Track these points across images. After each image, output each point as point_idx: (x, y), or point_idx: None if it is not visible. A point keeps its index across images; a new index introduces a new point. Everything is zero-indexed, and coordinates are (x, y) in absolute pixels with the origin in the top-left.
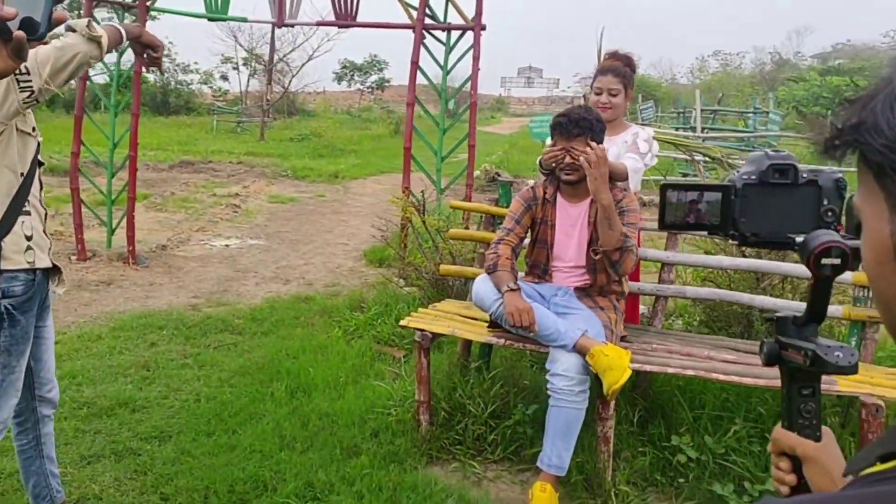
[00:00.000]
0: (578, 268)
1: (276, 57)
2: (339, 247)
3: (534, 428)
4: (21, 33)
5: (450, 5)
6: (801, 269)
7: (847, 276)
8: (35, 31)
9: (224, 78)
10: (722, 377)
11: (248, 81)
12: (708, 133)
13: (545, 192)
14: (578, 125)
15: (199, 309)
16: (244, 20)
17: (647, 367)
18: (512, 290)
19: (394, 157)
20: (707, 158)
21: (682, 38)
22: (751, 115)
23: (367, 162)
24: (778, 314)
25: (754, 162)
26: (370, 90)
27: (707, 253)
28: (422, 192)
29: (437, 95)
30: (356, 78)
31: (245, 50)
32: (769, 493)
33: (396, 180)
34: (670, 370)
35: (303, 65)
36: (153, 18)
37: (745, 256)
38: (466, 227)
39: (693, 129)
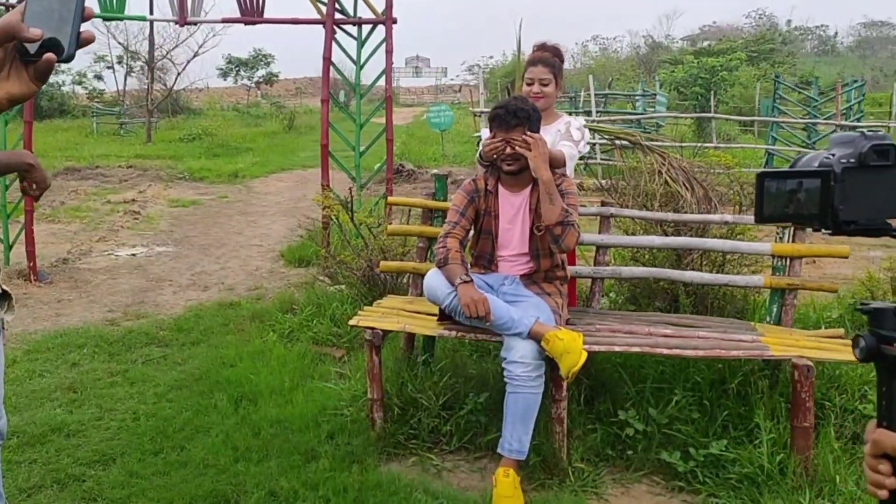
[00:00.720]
0: (522, 255)
1: (157, 54)
2: (254, 248)
3: (487, 416)
4: (51, 55)
5: (359, 0)
6: (722, 244)
7: (766, 246)
8: (61, 53)
9: (98, 77)
10: (665, 351)
11: (126, 80)
12: (601, 116)
13: (486, 184)
14: (517, 115)
15: (118, 323)
16: (143, 19)
17: (597, 348)
18: (465, 282)
19: (291, 153)
20: (629, 143)
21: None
22: (639, 97)
23: (266, 159)
24: (874, 305)
25: (849, 143)
26: (257, 85)
27: (633, 234)
28: (349, 189)
29: (352, 90)
30: (242, 73)
31: (121, 46)
32: (712, 455)
33: (300, 177)
34: (617, 348)
35: (188, 61)
36: None
37: (667, 235)
38: (389, 223)
39: (588, 112)
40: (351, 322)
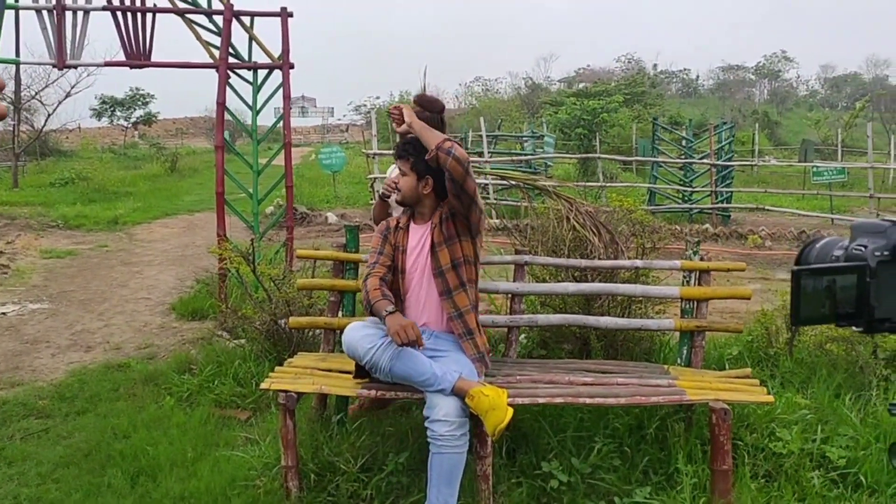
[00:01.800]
0: (432, 295)
1: (24, 94)
2: (141, 302)
3: (409, 476)
4: None
5: (254, 44)
6: (633, 289)
7: (674, 290)
8: None
9: None
10: (588, 401)
11: None
12: (493, 157)
13: (398, 222)
14: (403, 147)
15: None
16: (17, 62)
17: (521, 400)
18: (391, 312)
19: (175, 196)
20: (536, 188)
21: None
22: (527, 138)
23: (148, 204)
24: None
25: (880, 234)
26: (135, 126)
27: (542, 281)
28: (251, 240)
29: (244, 133)
30: (118, 113)
31: None
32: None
33: (186, 222)
34: (541, 400)
35: (59, 102)
36: None
37: (577, 281)
38: (290, 271)
39: (479, 153)
40: (263, 385)
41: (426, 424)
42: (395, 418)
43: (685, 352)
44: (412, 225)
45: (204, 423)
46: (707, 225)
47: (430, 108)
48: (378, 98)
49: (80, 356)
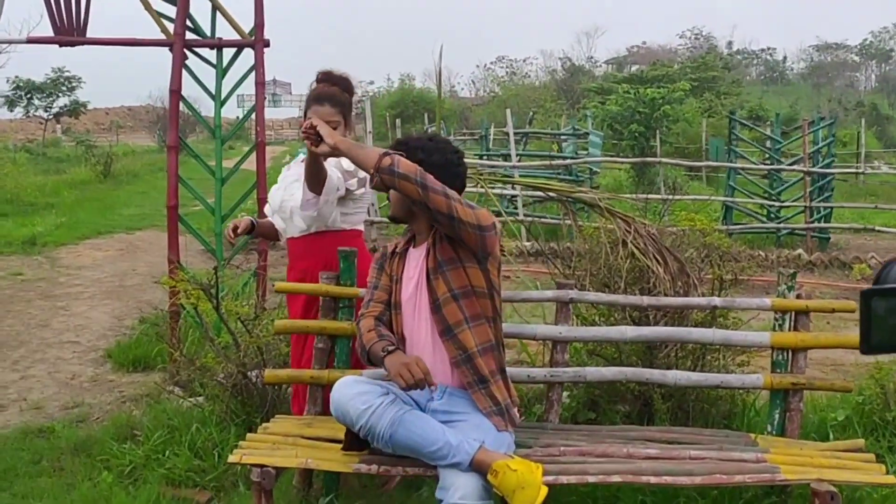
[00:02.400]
0: (433, 333)
1: None
2: (68, 348)
3: None
4: None
5: (219, 16)
6: (711, 335)
7: (763, 336)
8: None
9: None
10: (654, 480)
11: None
12: (522, 161)
13: (396, 246)
14: (395, 148)
15: None
16: None
17: (565, 479)
18: (390, 352)
19: (109, 209)
20: (581, 203)
21: (455, 39)
22: (567, 137)
23: (75, 219)
24: None
25: None
26: (56, 118)
27: (591, 324)
28: (213, 268)
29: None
30: (36, 102)
31: None
32: None
33: (124, 243)
34: (591, 479)
35: None
36: None
37: (636, 324)
38: (263, 308)
39: (505, 156)
40: (231, 458)
41: None
42: (400, 498)
43: (777, 417)
44: (411, 250)
45: None
46: (800, 250)
47: (347, 89)
48: (372, 83)
49: None
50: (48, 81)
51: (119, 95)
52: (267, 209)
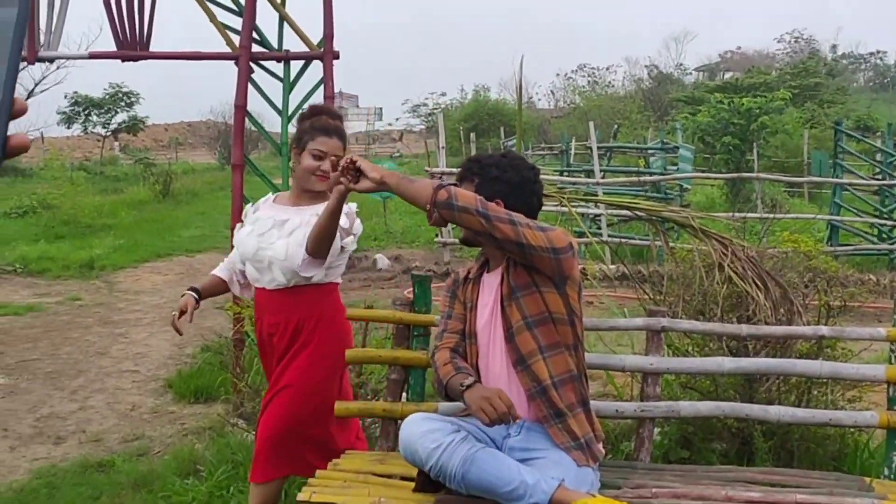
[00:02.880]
0: (506, 367)
1: None
2: (127, 377)
3: None
4: None
5: (286, 27)
6: (819, 368)
7: (878, 369)
8: None
9: None
10: None
11: None
12: (606, 178)
13: (469, 272)
14: (466, 166)
15: None
16: None
17: None
18: (469, 386)
19: (168, 230)
20: (671, 223)
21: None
22: (655, 151)
23: (134, 242)
24: None
25: None
26: (115, 134)
27: (684, 354)
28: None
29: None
30: (93, 118)
31: None
32: None
33: (184, 267)
34: None
35: None
36: None
37: (734, 354)
38: None
39: (588, 173)
40: (300, 496)
41: None
42: None
43: (895, 459)
44: (485, 275)
45: None
46: None
47: (339, 119)
48: (444, 95)
49: (47, 450)
50: (106, 97)
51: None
52: (233, 256)
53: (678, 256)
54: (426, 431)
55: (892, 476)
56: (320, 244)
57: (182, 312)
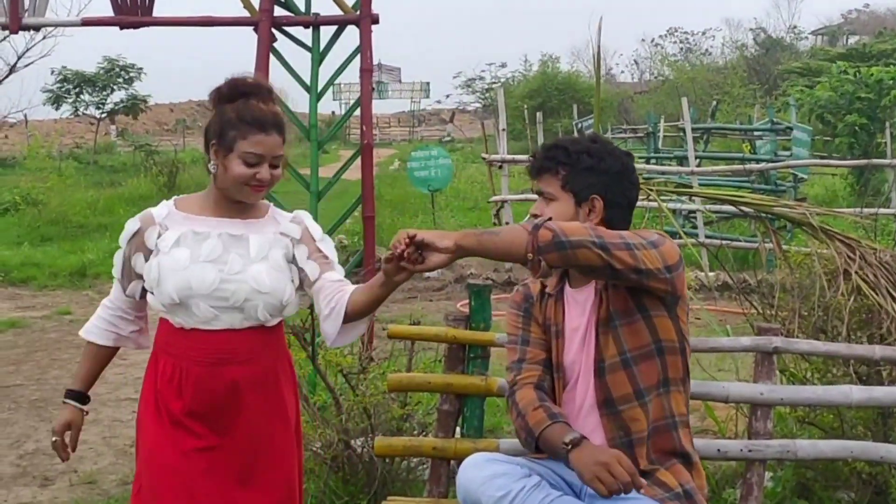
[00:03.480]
0: (593, 400)
1: None
2: (125, 406)
3: None
4: None
5: None
6: None
7: None
8: None
9: None
10: None
11: None
12: (702, 165)
13: (544, 286)
14: (547, 156)
15: None
16: None
17: None
18: (576, 444)
19: None
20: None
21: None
22: (763, 133)
23: None
24: None
25: None
26: (111, 116)
27: (801, 382)
28: (309, 309)
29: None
30: (86, 97)
31: None
32: None
33: None
34: None
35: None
36: None
37: (863, 382)
38: (369, 359)
39: (680, 160)
40: None
41: None
42: None
43: None
44: (568, 289)
45: None
46: None
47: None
48: (504, 66)
49: (32, 493)
50: (101, 72)
51: (187, 88)
52: (114, 301)
53: (793, 262)
54: (491, 476)
55: None
56: (362, 315)
57: (62, 439)
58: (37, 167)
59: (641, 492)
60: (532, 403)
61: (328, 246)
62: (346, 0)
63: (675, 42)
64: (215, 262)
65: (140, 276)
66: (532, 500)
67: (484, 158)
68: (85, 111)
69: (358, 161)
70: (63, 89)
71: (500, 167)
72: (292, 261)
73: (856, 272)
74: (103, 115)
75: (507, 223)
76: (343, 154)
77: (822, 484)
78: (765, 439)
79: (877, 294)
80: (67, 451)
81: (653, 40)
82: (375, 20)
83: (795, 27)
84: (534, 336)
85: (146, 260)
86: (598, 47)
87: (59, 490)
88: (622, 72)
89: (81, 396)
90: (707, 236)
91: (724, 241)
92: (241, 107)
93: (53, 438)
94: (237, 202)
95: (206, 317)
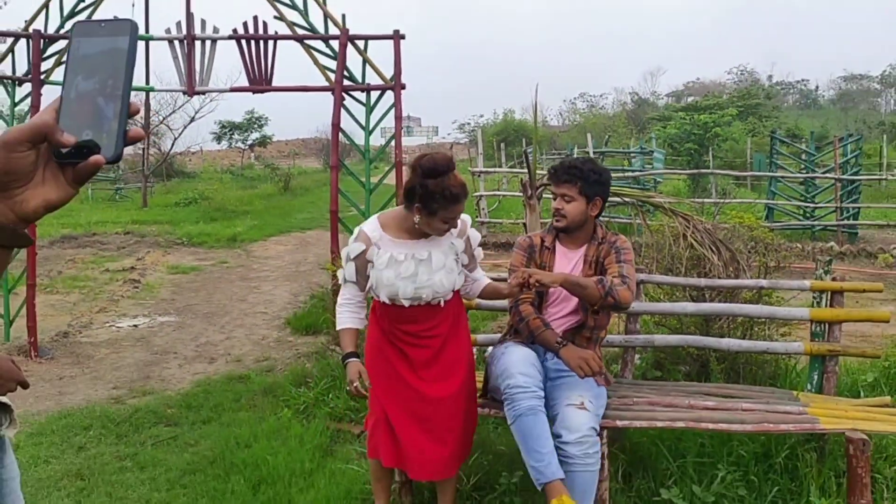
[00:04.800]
0: (570, 313)
1: (153, 120)
2: (259, 316)
3: (522, 497)
4: (99, 158)
5: (367, 66)
6: (759, 310)
7: (804, 311)
8: (101, 151)
9: None
10: (711, 426)
11: None
12: None
13: (544, 241)
14: (567, 172)
15: (123, 401)
16: (152, 90)
17: (638, 424)
18: (563, 345)
19: (287, 214)
20: (649, 206)
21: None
22: (636, 154)
23: (264, 222)
24: None
25: None
26: (251, 148)
27: (657, 300)
28: None
29: (360, 154)
30: (236, 136)
31: None
32: None
33: (299, 240)
34: (660, 424)
35: (185, 127)
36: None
37: (693, 300)
38: None
39: None
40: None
41: (557, 444)
42: (504, 436)
43: (816, 378)
44: (559, 247)
45: (320, 436)
46: (832, 243)
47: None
48: (482, 116)
49: (204, 367)
50: (244, 121)
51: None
52: (352, 296)
53: (653, 230)
54: (519, 361)
55: (813, 390)
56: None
57: (358, 383)
58: (208, 177)
59: (598, 379)
60: (531, 314)
61: (478, 251)
62: (385, 75)
63: (583, 101)
64: (409, 277)
65: (367, 278)
66: (525, 401)
67: (470, 171)
68: (235, 145)
69: (393, 172)
70: (222, 131)
71: (479, 176)
72: (457, 259)
73: (690, 235)
74: (246, 147)
75: (483, 209)
76: (386, 169)
77: (670, 361)
78: (635, 335)
79: (702, 248)
80: (362, 392)
81: (570, 100)
82: (403, 87)
83: (655, 92)
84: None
85: (371, 268)
86: (536, 103)
87: (220, 365)
88: (552, 119)
89: (357, 355)
90: (602, 216)
91: (611, 219)
92: (442, 184)
93: (354, 384)
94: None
95: (406, 300)
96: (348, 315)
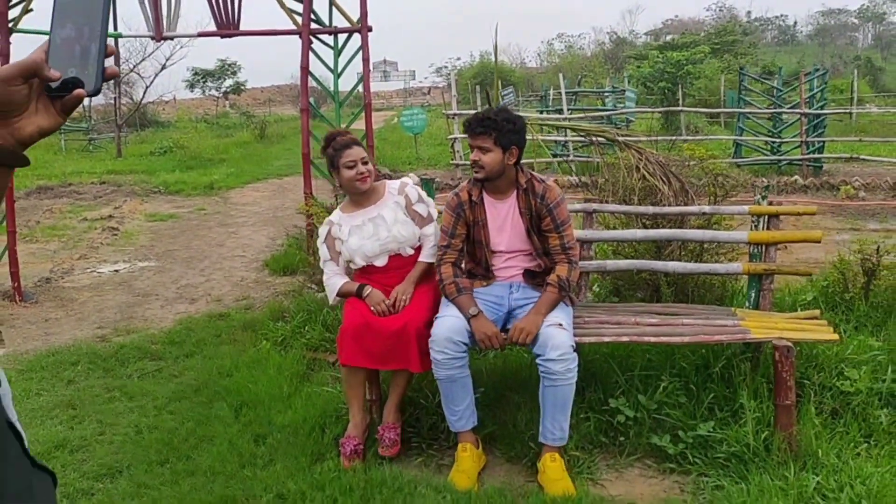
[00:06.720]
0: (520, 252)
1: (124, 68)
2: (237, 259)
3: (483, 411)
4: (81, 91)
5: (334, 9)
6: (702, 234)
7: (742, 234)
8: (85, 87)
9: None
10: (652, 339)
11: None
12: (573, 114)
13: (471, 195)
14: (481, 124)
15: (109, 339)
16: (119, 36)
17: (587, 339)
18: (475, 315)
19: (264, 161)
20: (606, 140)
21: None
22: (609, 94)
23: (241, 170)
24: None
25: None
26: (225, 96)
27: (612, 228)
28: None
29: (328, 97)
30: (209, 84)
31: None
32: (700, 437)
33: (276, 186)
34: (607, 339)
35: (156, 75)
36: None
37: (645, 227)
38: None
39: (559, 110)
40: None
41: (539, 361)
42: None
43: (753, 295)
44: (487, 198)
45: (297, 364)
46: (796, 176)
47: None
48: (459, 59)
49: (185, 307)
50: (217, 68)
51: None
52: (338, 267)
53: (609, 162)
54: (451, 329)
55: (749, 306)
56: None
57: (381, 305)
58: (183, 126)
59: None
60: (449, 278)
61: (422, 205)
62: (351, 17)
63: (561, 42)
64: (372, 237)
65: (339, 254)
66: (456, 365)
67: (445, 114)
68: (209, 93)
69: (363, 114)
70: (195, 79)
71: (454, 119)
72: (406, 213)
73: (642, 167)
74: (220, 95)
75: (458, 151)
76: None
77: (626, 286)
78: (588, 261)
79: (654, 179)
80: (387, 309)
81: (549, 41)
82: (370, 29)
83: (633, 31)
84: (459, 231)
85: (339, 244)
86: (496, 44)
87: (201, 305)
88: (531, 60)
89: (364, 287)
90: (576, 156)
91: (580, 158)
92: (334, 143)
93: (381, 308)
94: (360, 195)
95: (379, 261)
96: (337, 279)
